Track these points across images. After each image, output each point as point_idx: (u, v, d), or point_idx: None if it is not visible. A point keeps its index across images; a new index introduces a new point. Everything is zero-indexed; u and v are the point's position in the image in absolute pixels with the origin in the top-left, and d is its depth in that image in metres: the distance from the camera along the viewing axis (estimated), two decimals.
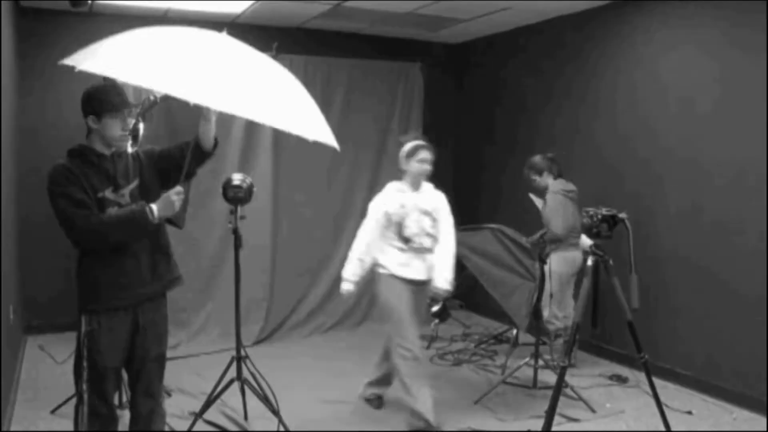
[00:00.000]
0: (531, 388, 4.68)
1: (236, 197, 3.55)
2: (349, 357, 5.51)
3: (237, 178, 3.59)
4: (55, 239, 5.91)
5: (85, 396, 2.72)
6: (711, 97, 4.66)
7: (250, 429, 3.98)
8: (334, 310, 6.30)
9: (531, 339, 5.79)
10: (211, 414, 3.94)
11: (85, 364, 2.69)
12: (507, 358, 5.18)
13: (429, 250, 4.05)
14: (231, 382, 3.88)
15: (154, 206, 2.71)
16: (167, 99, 4.29)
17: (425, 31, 6.69)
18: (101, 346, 2.71)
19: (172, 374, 4.81)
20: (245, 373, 3.97)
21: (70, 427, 3.91)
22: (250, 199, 3.65)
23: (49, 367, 5.06)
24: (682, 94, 4.85)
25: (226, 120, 5.76)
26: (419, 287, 4.07)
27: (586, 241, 4.90)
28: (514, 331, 5.32)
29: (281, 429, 3.76)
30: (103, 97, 2.77)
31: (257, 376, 3.93)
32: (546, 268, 5.15)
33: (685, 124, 4.82)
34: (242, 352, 3.96)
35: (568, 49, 5.86)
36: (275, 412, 3.83)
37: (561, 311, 5.13)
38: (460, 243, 4.60)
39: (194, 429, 3.76)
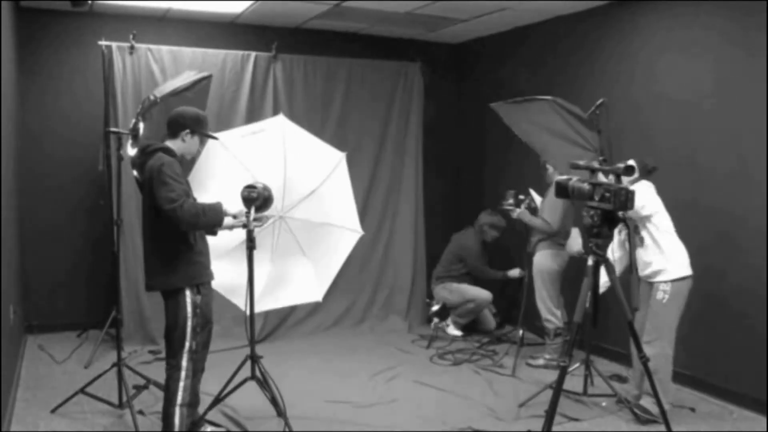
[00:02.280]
0: (581, 395, 4.50)
1: (249, 197, 3.62)
2: (350, 356, 5.52)
3: (257, 185, 3.66)
4: (55, 239, 5.96)
5: (192, 345, 3.38)
6: (710, 95, 4.66)
7: (250, 429, 3.98)
8: (334, 309, 6.29)
9: (536, 339, 5.82)
10: (211, 414, 3.93)
11: (196, 322, 3.38)
12: (515, 358, 5.18)
13: None
14: (244, 381, 3.88)
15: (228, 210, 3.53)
16: (167, 99, 4.30)
17: (425, 31, 6.69)
18: (207, 308, 3.47)
19: None
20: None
21: (70, 427, 3.94)
22: (266, 206, 3.72)
23: (49, 366, 5.05)
24: (681, 93, 4.85)
25: (228, 119, 5.72)
26: None
27: (574, 244, 4.90)
28: (520, 332, 5.33)
29: (285, 429, 3.76)
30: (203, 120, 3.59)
31: (267, 376, 3.92)
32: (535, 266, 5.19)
33: (685, 123, 4.82)
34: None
35: (568, 49, 5.86)
36: (281, 414, 3.82)
37: (558, 309, 5.16)
38: (516, 117, 4.41)
39: (196, 429, 3.75)
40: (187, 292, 3.36)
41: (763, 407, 4.28)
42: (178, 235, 3.36)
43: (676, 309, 4.05)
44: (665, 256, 4.04)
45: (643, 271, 4.11)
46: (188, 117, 3.51)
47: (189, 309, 3.36)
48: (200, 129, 3.53)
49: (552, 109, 4.31)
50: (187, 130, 3.47)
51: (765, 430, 4.13)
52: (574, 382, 4.56)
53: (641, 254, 4.09)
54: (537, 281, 5.19)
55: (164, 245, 3.37)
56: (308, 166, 4.25)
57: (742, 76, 4.45)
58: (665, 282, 4.04)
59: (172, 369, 3.39)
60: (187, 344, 3.36)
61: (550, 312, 5.16)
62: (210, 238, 3.63)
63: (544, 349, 5.36)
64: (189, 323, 3.36)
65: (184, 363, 3.37)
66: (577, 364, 4.61)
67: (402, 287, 6.58)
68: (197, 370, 3.47)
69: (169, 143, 3.47)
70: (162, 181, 3.26)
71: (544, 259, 5.16)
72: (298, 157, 4.19)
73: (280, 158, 4.13)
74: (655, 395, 3.50)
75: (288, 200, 4.13)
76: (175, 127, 3.48)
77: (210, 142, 4.02)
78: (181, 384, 3.35)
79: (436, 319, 6.08)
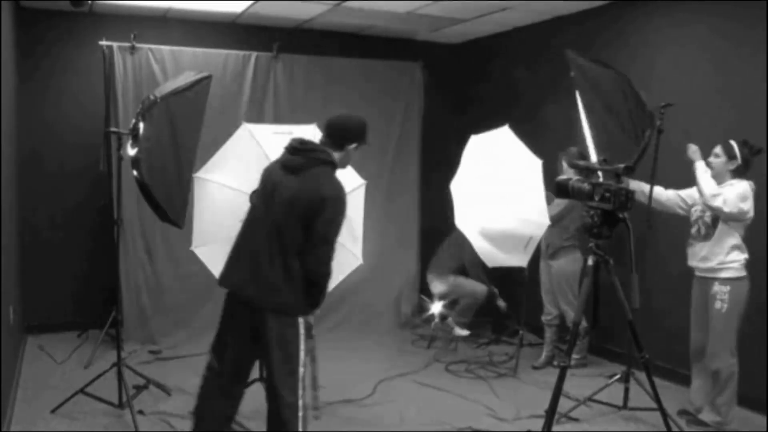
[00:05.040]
0: (621, 409, 4.35)
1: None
2: (350, 356, 5.52)
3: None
4: (55, 239, 5.96)
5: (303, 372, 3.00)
6: (710, 96, 4.66)
7: (249, 429, 3.98)
8: (335, 310, 6.28)
9: (536, 339, 5.82)
10: None
11: (311, 347, 3.07)
12: (516, 361, 5.19)
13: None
14: (252, 382, 3.87)
15: None
16: (167, 99, 4.30)
17: (425, 31, 6.69)
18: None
19: (173, 374, 4.82)
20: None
21: (70, 427, 3.95)
22: None
23: (49, 367, 5.05)
24: (681, 94, 4.84)
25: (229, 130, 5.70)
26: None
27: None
28: (520, 332, 5.33)
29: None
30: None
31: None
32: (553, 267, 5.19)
33: (685, 123, 4.81)
34: None
35: (568, 49, 5.84)
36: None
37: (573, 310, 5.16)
38: (584, 75, 4.28)
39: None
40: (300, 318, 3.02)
41: (763, 407, 4.28)
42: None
43: (737, 316, 3.93)
44: (733, 255, 3.94)
45: (703, 264, 4.01)
46: (360, 129, 3.13)
47: (302, 331, 3.00)
48: (364, 140, 3.17)
49: (622, 85, 4.15)
50: (355, 144, 3.12)
51: (765, 430, 4.13)
52: (612, 395, 4.39)
53: (704, 246, 4.00)
54: (562, 285, 5.17)
55: (298, 267, 2.97)
56: None
57: (742, 76, 4.45)
58: (723, 281, 3.93)
59: (291, 409, 2.93)
60: (301, 371, 2.97)
61: (564, 309, 5.19)
62: (208, 222, 3.51)
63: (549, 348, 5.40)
64: (302, 347, 2.98)
65: (300, 396, 2.97)
66: (617, 375, 4.46)
67: (403, 288, 6.58)
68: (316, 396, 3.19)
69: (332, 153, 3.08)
70: (329, 236, 2.95)
71: (567, 264, 5.15)
72: None
73: None
74: (655, 395, 3.49)
75: None
76: (342, 139, 3.08)
77: (240, 130, 4.11)
78: (300, 414, 2.97)
79: (436, 320, 6.08)
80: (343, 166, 3.17)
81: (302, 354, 2.96)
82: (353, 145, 3.11)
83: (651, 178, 4.21)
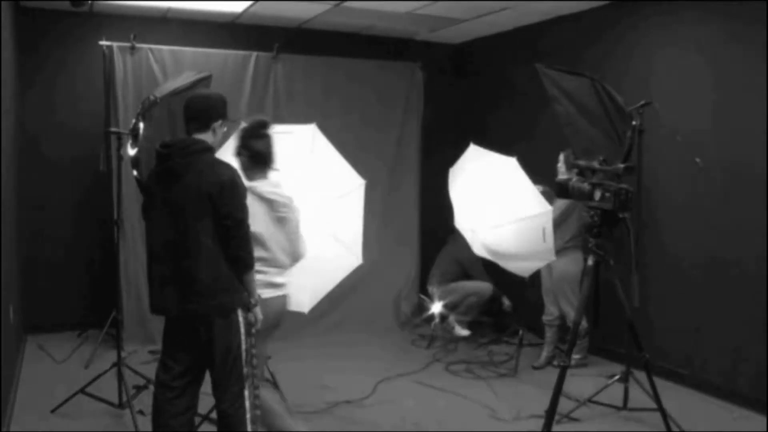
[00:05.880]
0: (621, 409, 4.31)
1: None
2: (350, 356, 5.52)
3: None
4: (55, 239, 5.96)
5: (250, 370, 3.02)
6: (710, 96, 4.66)
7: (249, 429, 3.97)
8: (335, 310, 6.28)
9: (536, 339, 5.82)
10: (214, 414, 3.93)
11: (250, 343, 3.00)
12: (516, 361, 5.19)
13: None
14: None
15: None
16: (167, 99, 4.30)
17: (425, 31, 6.70)
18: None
19: None
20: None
21: (70, 427, 3.95)
22: None
23: (49, 367, 5.05)
24: (681, 94, 4.85)
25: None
26: None
27: None
28: (520, 332, 5.33)
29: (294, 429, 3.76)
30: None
31: (274, 376, 3.92)
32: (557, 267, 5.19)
33: (685, 123, 4.82)
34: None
35: (568, 49, 5.86)
36: (290, 413, 3.82)
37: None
38: (555, 86, 4.25)
39: (201, 430, 3.74)
40: (240, 312, 2.97)
41: (763, 407, 4.28)
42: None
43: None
44: None
45: None
46: (219, 104, 3.04)
47: (243, 330, 2.97)
48: (226, 116, 3.08)
49: (593, 88, 4.14)
50: (220, 121, 3.02)
51: (765, 430, 4.13)
52: (613, 395, 4.35)
53: None
54: (563, 286, 5.17)
55: (224, 262, 2.92)
56: (328, 177, 4.28)
57: (742, 76, 4.45)
58: None
59: (234, 398, 2.96)
60: (246, 369, 2.99)
61: (565, 311, 5.19)
62: None
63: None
64: (244, 346, 2.98)
65: (247, 392, 2.98)
66: (617, 376, 4.42)
67: (403, 288, 6.58)
68: (257, 395, 3.17)
69: (200, 137, 2.97)
70: (242, 217, 2.92)
71: (568, 265, 5.13)
72: (320, 166, 4.22)
73: (304, 161, 4.16)
74: (655, 395, 3.50)
75: (302, 203, 4.16)
76: (206, 119, 2.97)
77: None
78: (248, 416, 2.99)
79: (436, 320, 6.08)
80: (216, 147, 3.09)
81: (244, 354, 2.97)
82: (218, 122, 3.00)
83: (638, 178, 4.20)
